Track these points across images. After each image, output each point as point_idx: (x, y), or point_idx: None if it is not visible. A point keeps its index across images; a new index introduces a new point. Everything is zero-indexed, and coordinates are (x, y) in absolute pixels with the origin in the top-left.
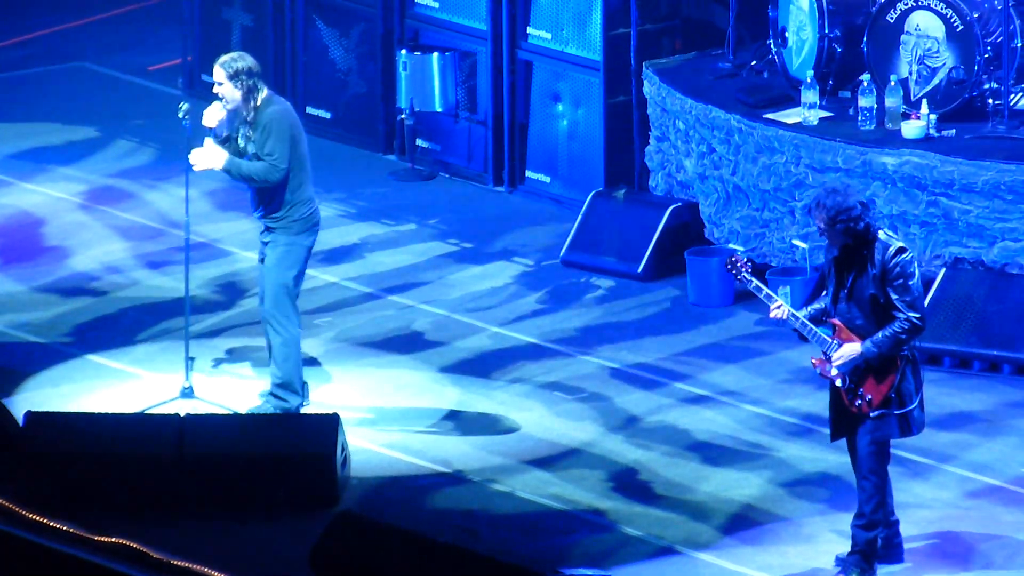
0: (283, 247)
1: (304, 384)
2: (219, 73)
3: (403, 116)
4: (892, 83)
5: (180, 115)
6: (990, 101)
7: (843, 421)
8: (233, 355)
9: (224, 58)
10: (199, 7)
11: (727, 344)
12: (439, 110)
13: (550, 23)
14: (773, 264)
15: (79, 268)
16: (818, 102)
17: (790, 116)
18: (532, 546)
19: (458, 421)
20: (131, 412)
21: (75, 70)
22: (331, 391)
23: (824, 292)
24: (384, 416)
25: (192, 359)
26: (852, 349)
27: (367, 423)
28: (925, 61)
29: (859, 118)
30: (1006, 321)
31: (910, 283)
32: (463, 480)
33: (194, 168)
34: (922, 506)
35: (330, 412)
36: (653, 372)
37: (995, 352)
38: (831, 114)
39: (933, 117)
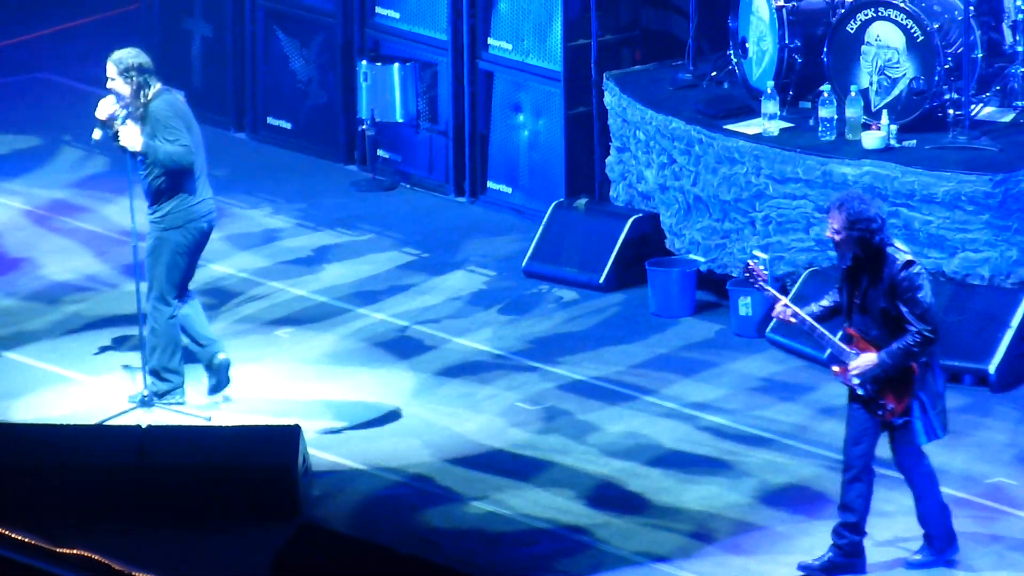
0: (167, 243)
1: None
2: (110, 68)
3: (364, 127)
4: (852, 94)
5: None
6: (951, 112)
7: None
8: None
9: (116, 54)
10: (159, 18)
11: (688, 355)
12: (400, 120)
13: (511, 34)
14: (734, 275)
15: (35, 278)
16: (778, 113)
17: (750, 127)
18: (494, 558)
19: (420, 432)
20: (91, 423)
21: (34, 81)
22: (292, 402)
23: (836, 301)
24: (346, 427)
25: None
26: (868, 359)
27: (328, 434)
28: (885, 72)
29: (819, 128)
30: (966, 332)
31: (919, 295)
32: (425, 491)
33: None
34: (885, 515)
35: (291, 423)
36: (615, 383)
37: (956, 363)
38: (791, 125)
39: (893, 128)
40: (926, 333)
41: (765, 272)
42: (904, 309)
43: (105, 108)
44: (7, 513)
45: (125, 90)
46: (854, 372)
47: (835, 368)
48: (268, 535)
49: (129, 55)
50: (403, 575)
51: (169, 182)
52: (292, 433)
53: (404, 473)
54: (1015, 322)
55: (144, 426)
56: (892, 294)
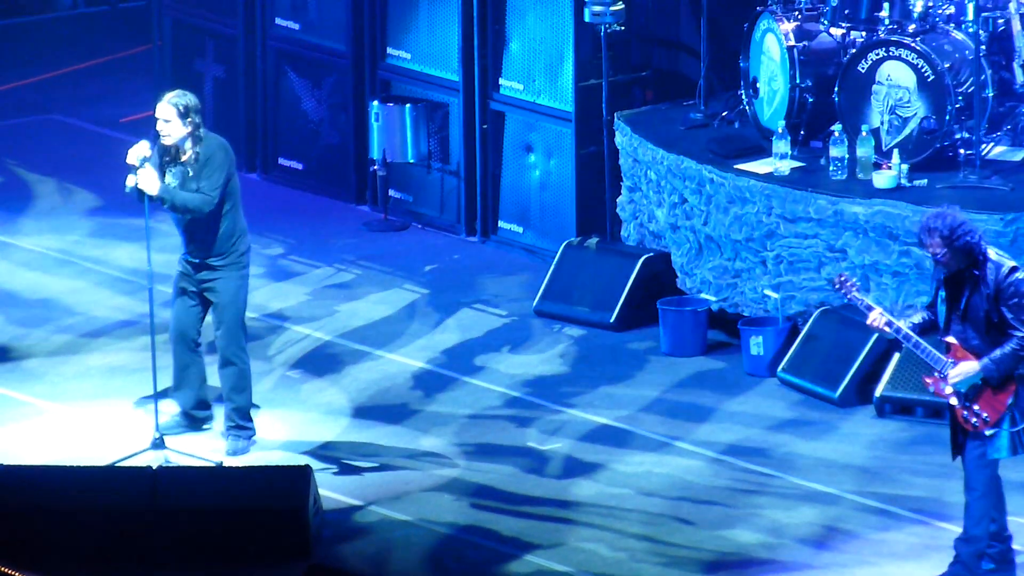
0: (236, 281)
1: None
2: (168, 111)
3: (375, 167)
4: (863, 133)
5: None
6: (962, 151)
7: (959, 440)
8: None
9: (171, 96)
10: (170, 59)
11: (701, 394)
12: (411, 161)
13: (522, 74)
14: (745, 314)
15: (45, 317)
16: (789, 152)
17: (761, 166)
18: None
19: (432, 473)
20: (103, 465)
21: (46, 122)
22: (304, 443)
23: (928, 315)
24: (358, 468)
25: (157, 400)
26: (970, 367)
27: (340, 475)
28: (896, 111)
29: (830, 168)
30: None
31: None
32: (436, 532)
33: (129, 185)
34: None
35: (302, 464)
36: (627, 422)
37: None
38: (802, 164)
39: (905, 167)
40: None
41: (856, 282)
42: (1010, 315)
43: (140, 151)
44: (19, 556)
45: (181, 132)
46: (954, 379)
47: (928, 379)
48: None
49: (188, 97)
50: None
51: (231, 224)
52: (303, 474)
53: (415, 513)
54: None
55: (155, 467)
56: (996, 300)
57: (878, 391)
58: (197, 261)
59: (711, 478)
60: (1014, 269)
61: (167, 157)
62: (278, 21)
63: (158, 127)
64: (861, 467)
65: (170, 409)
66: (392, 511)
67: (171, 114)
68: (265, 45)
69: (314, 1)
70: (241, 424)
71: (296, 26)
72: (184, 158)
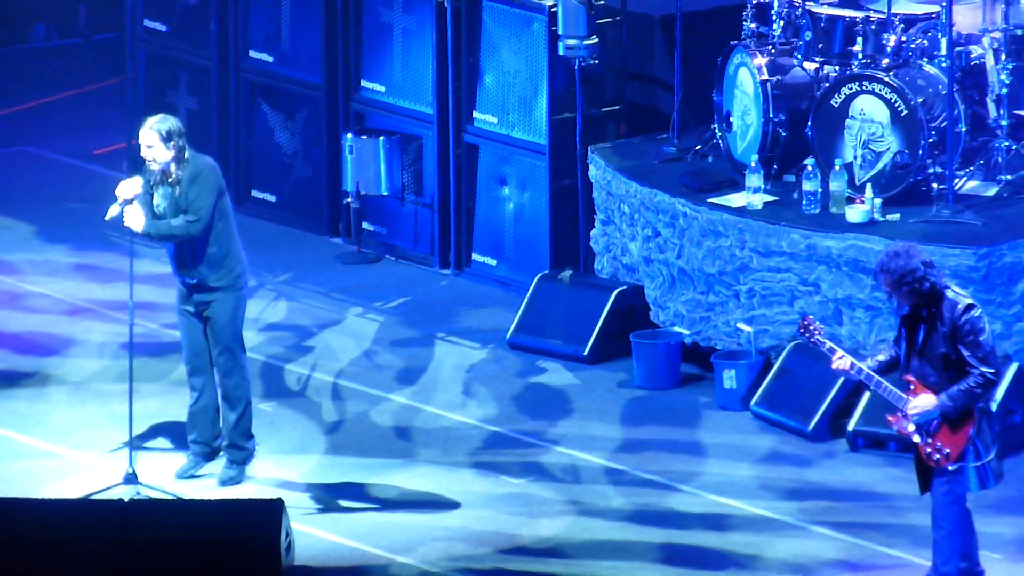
0: (232, 303)
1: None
2: (151, 136)
3: (349, 199)
4: (837, 167)
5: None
6: (935, 185)
7: (925, 475)
8: (171, 435)
9: (153, 122)
10: (144, 91)
11: (675, 428)
12: (385, 193)
13: (496, 107)
14: (718, 347)
15: (16, 349)
16: (763, 186)
17: (735, 200)
18: None
19: (403, 505)
20: (74, 498)
21: (18, 154)
22: (275, 476)
23: (893, 352)
24: (328, 501)
25: (133, 443)
26: (927, 401)
27: (311, 508)
28: (870, 145)
29: (804, 202)
30: None
31: (981, 339)
32: (407, 565)
33: (110, 214)
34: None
35: (274, 498)
36: (601, 456)
37: None
38: (776, 198)
39: (878, 201)
40: (988, 375)
41: (820, 327)
42: (966, 352)
43: (130, 188)
44: None
45: (166, 156)
46: (913, 414)
47: (890, 417)
48: None
49: (168, 120)
50: None
51: (223, 245)
52: (275, 508)
53: (386, 547)
54: (999, 395)
55: (127, 500)
56: (953, 338)
57: (851, 426)
58: (192, 283)
59: (690, 510)
60: (970, 307)
61: (154, 181)
62: (252, 53)
63: (142, 153)
64: (835, 500)
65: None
66: (367, 545)
67: (154, 139)
68: (239, 77)
69: (288, 34)
70: (239, 445)
71: (270, 59)
72: (171, 180)
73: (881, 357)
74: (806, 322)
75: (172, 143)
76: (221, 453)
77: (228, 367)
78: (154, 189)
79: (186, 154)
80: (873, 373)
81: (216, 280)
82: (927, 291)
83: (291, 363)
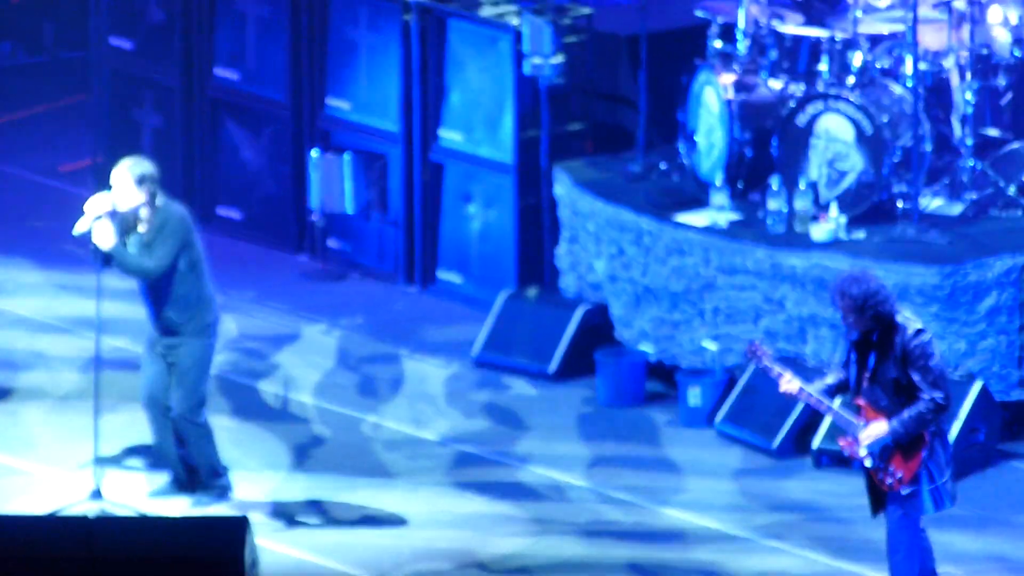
0: (199, 350)
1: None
2: (123, 177)
3: (314, 217)
4: (802, 186)
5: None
6: (899, 204)
7: (878, 498)
8: (139, 452)
9: (129, 163)
10: (108, 108)
11: (639, 445)
12: (351, 211)
13: (462, 125)
14: (683, 365)
15: None
16: (728, 204)
17: (700, 218)
18: None
19: (368, 522)
20: (39, 514)
21: None
22: (240, 494)
23: (843, 375)
24: (294, 518)
25: (100, 460)
26: (879, 429)
27: (277, 524)
28: (835, 164)
29: (768, 221)
30: None
31: (931, 364)
32: None
33: (78, 231)
34: None
35: (239, 515)
36: (566, 473)
37: None
38: (740, 216)
39: (843, 220)
40: (939, 400)
41: (768, 351)
42: (916, 377)
43: (100, 204)
44: None
45: (137, 199)
46: (866, 441)
47: (842, 442)
48: None
49: (144, 165)
50: None
51: (192, 291)
52: (239, 524)
53: (353, 562)
54: (963, 413)
55: (92, 517)
56: (904, 362)
57: (815, 443)
58: (162, 327)
59: (652, 530)
60: (919, 331)
61: (125, 225)
62: (217, 71)
63: (112, 194)
64: (799, 517)
65: (139, 472)
66: (332, 561)
67: (125, 180)
68: (204, 95)
69: (253, 51)
70: (210, 480)
71: (235, 76)
72: (141, 227)
73: (829, 380)
74: (753, 347)
75: (144, 187)
76: (195, 488)
77: (183, 411)
78: (125, 236)
79: (158, 200)
80: (822, 398)
81: (186, 324)
82: (887, 314)
83: (256, 380)
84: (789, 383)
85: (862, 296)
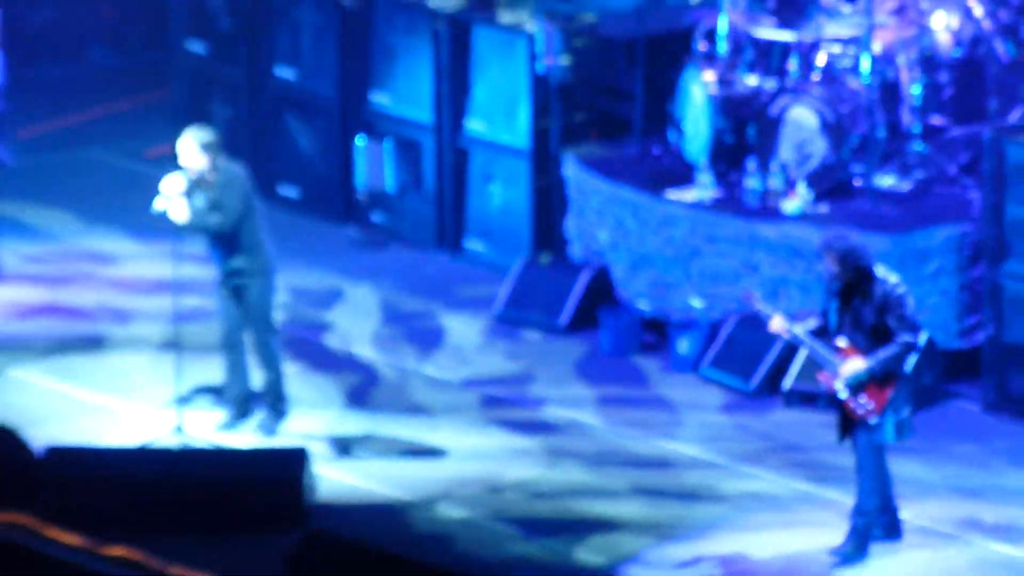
0: (261, 285)
1: (283, 400)
2: (189, 144)
3: (359, 194)
4: (774, 167)
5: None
6: (857, 183)
7: (848, 426)
8: (213, 392)
9: (195, 132)
10: (185, 102)
11: (636, 387)
12: (390, 190)
13: (484, 116)
14: (673, 319)
15: (82, 318)
16: (711, 183)
17: (687, 195)
18: (476, 562)
19: (408, 452)
20: (130, 446)
21: (81, 158)
22: (301, 429)
23: (823, 321)
24: (346, 450)
25: (181, 398)
26: (858, 364)
27: (330, 456)
28: (802, 148)
29: (747, 197)
30: None
31: (906, 311)
32: (413, 504)
33: (156, 208)
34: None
35: (299, 447)
36: (574, 411)
37: None
38: (722, 193)
39: (809, 195)
40: (911, 342)
41: (759, 296)
42: (893, 322)
43: (174, 185)
44: (69, 521)
45: (202, 162)
46: (844, 375)
47: (820, 376)
48: (278, 541)
49: (207, 133)
50: (395, 573)
51: (249, 238)
52: (299, 454)
53: (397, 486)
54: (912, 359)
55: (177, 446)
56: (882, 309)
57: (786, 384)
58: (228, 269)
59: (645, 455)
60: (897, 284)
61: (193, 184)
62: (276, 70)
63: (180, 160)
64: (773, 447)
65: (214, 408)
66: (378, 485)
67: (192, 147)
68: (265, 91)
69: (308, 52)
70: (274, 404)
71: (292, 74)
72: (206, 184)
73: (810, 324)
74: (747, 294)
75: (207, 152)
76: (256, 411)
77: (261, 337)
78: (193, 192)
79: (219, 162)
80: (805, 336)
81: (248, 265)
82: (864, 268)
83: (312, 332)
84: (780, 324)
85: (845, 250)
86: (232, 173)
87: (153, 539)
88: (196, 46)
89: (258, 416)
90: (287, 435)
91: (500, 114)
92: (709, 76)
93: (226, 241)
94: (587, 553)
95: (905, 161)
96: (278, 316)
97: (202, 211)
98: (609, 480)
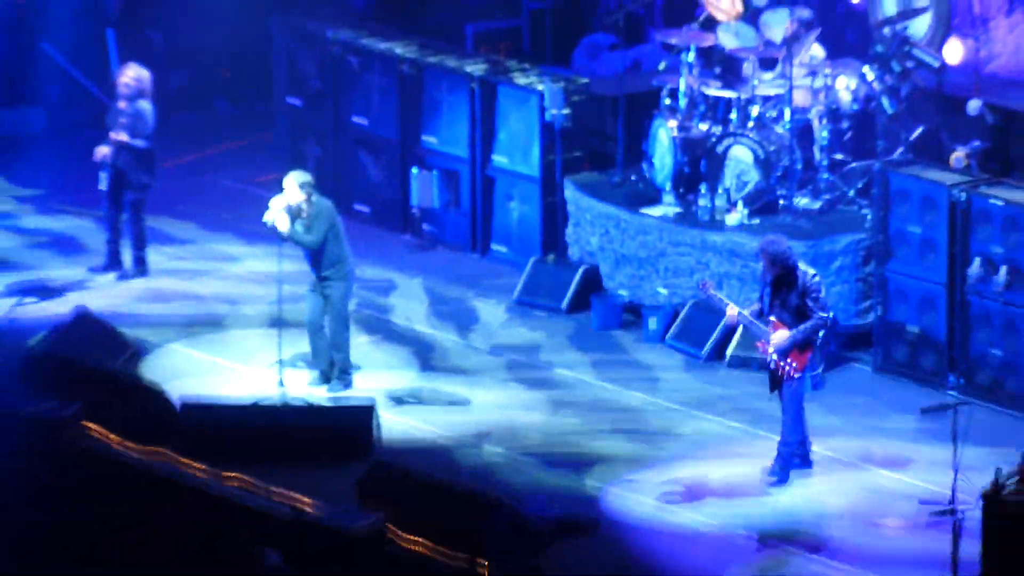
0: (341, 289)
1: (349, 370)
2: (291, 183)
3: (414, 210)
4: (720, 191)
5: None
6: (781, 202)
7: (776, 381)
8: (305, 360)
9: (295, 174)
10: (286, 142)
11: (619, 354)
12: (437, 207)
13: (506, 152)
14: (646, 303)
15: (208, 301)
16: (673, 202)
17: (656, 211)
18: (501, 485)
19: (449, 402)
20: (246, 398)
21: (207, 181)
22: (370, 386)
23: (759, 304)
24: (402, 400)
25: (281, 362)
26: (784, 335)
27: (391, 405)
28: (740, 177)
29: (699, 213)
30: None
31: (820, 295)
32: (453, 441)
33: (265, 220)
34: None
35: (369, 398)
36: (573, 370)
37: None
38: (681, 210)
39: (746, 212)
40: (824, 318)
41: (712, 283)
42: (810, 303)
43: (278, 203)
44: (198, 454)
45: (300, 197)
46: (775, 343)
47: (758, 344)
48: (352, 470)
49: (304, 175)
50: (440, 494)
51: (336, 253)
52: (370, 405)
53: (442, 427)
54: (821, 333)
55: (280, 400)
56: (803, 294)
57: (729, 351)
58: (317, 275)
59: (641, 401)
60: (814, 276)
61: (293, 211)
62: (353, 119)
63: (284, 192)
64: (720, 399)
65: (305, 370)
66: (435, 429)
67: (292, 184)
68: (345, 134)
69: (376, 106)
70: (341, 375)
71: (365, 122)
72: (303, 214)
73: (754, 307)
74: (703, 283)
75: (303, 188)
76: (333, 377)
77: (336, 328)
78: (293, 219)
79: (313, 197)
80: (750, 317)
81: (333, 274)
82: (791, 265)
83: (378, 312)
84: (731, 309)
85: (777, 252)
86: (322, 205)
87: (260, 468)
88: (294, 101)
89: (332, 381)
90: (360, 390)
91: (518, 151)
92: (672, 123)
93: (317, 255)
94: (584, 478)
95: (816, 186)
96: (352, 307)
97: (300, 232)
98: (598, 423)
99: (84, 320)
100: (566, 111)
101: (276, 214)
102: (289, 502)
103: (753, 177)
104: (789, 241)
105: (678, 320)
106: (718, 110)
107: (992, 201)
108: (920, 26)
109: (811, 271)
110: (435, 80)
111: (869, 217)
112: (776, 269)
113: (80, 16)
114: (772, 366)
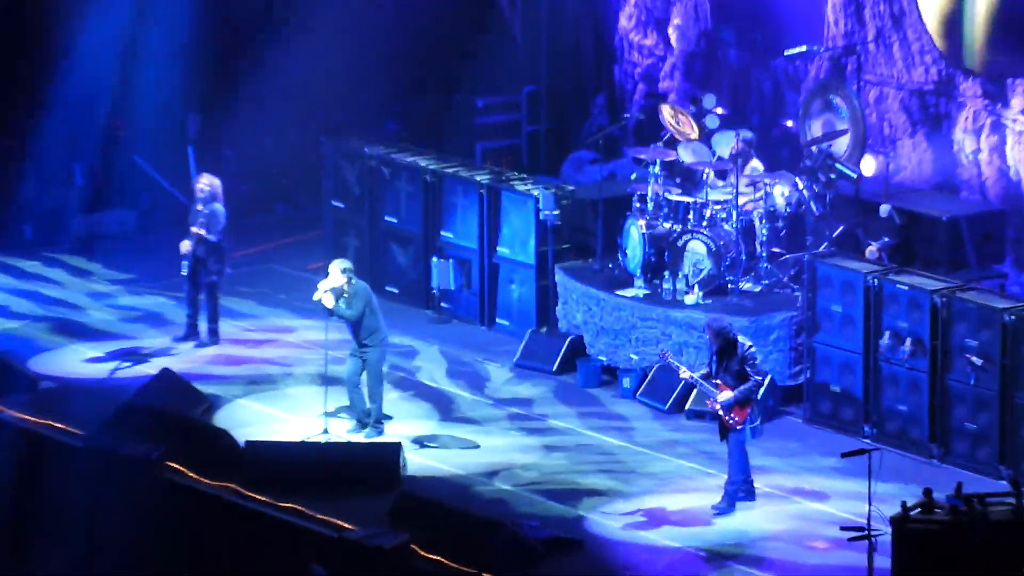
0: (377, 354)
1: (382, 419)
2: (335, 268)
3: (434, 291)
4: (680, 276)
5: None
6: (729, 286)
7: (723, 430)
8: (346, 411)
9: (338, 261)
10: (331, 237)
11: (597, 407)
12: (452, 288)
13: (509, 244)
14: (620, 367)
15: (264, 362)
16: (643, 286)
17: (629, 292)
18: (505, 513)
19: (461, 445)
20: (294, 441)
21: (265, 268)
22: (397, 432)
23: (708, 369)
24: (422, 443)
25: (327, 413)
26: (728, 394)
27: (413, 447)
28: (696, 266)
29: (663, 294)
30: None
31: (755, 362)
32: (466, 477)
33: (315, 298)
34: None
35: (396, 441)
36: (561, 420)
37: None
38: (649, 292)
39: (701, 293)
40: (760, 380)
41: (670, 352)
42: (748, 369)
43: (325, 285)
44: (259, 486)
45: (342, 280)
46: (721, 400)
47: (708, 402)
48: (383, 500)
49: (346, 262)
50: (456, 520)
51: (372, 325)
52: (395, 445)
53: (456, 465)
54: (761, 391)
55: (323, 441)
56: (741, 361)
57: (687, 405)
58: (357, 343)
59: (615, 447)
60: (750, 347)
61: (337, 292)
62: (386, 217)
63: (329, 276)
64: (678, 444)
65: (345, 419)
66: (444, 466)
67: (336, 270)
68: (379, 230)
69: (404, 207)
70: (375, 424)
71: (395, 219)
72: (345, 294)
73: (703, 372)
74: (663, 353)
75: (345, 273)
76: (369, 424)
77: (373, 385)
78: (339, 297)
79: (352, 280)
80: (701, 380)
81: (370, 341)
82: (732, 339)
83: (407, 374)
84: (684, 373)
85: (720, 328)
86: (360, 286)
87: (309, 497)
88: (338, 203)
89: (368, 428)
90: (389, 435)
91: (517, 243)
92: (642, 222)
93: (356, 326)
94: (571, 507)
95: (758, 273)
96: (385, 368)
97: (342, 308)
98: (582, 463)
99: (168, 379)
100: (556, 212)
101: (323, 294)
102: (333, 525)
103: (707, 265)
104: (734, 317)
105: (646, 380)
106: (679, 211)
107: (899, 286)
108: (841, 145)
109: (748, 342)
110: (451, 187)
111: (800, 298)
112: (719, 341)
113: (166, 134)
114: (720, 419)
